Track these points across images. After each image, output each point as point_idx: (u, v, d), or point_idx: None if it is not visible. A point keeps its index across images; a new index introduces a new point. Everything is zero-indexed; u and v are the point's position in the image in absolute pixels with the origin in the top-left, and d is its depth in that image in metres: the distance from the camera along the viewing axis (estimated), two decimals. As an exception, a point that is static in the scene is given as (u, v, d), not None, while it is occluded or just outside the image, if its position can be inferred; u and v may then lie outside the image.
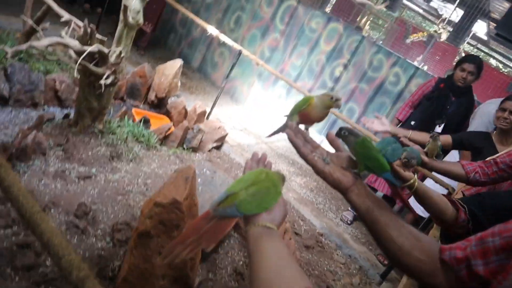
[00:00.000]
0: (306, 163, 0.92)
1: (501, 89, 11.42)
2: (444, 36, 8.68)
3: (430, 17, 17.48)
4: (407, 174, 1.39)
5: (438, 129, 3.77)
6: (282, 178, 0.89)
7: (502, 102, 2.76)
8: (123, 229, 2.11)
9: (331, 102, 0.96)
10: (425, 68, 9.97)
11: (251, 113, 5.59)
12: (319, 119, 0.98)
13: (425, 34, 14.61)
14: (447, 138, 2.65)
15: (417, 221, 3.71)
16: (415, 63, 11.56)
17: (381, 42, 10.29)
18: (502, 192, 1.82)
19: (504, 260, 0.73)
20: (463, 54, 11.70)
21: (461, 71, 3.46)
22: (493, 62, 15.12)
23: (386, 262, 3.69)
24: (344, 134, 0.94)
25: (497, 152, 2.52)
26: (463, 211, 1.35)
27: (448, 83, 3.71)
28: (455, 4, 8.86)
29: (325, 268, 3.16)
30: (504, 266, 0.73)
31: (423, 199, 1.40)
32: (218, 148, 3.95)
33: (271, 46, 5.50)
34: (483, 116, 3.59)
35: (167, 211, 1.64)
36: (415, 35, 14.64)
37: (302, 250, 3.20)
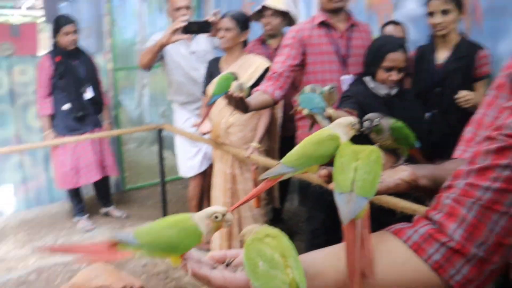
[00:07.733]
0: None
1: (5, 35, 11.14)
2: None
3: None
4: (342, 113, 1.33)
5: (87, 95, 3.73)
6: None
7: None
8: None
9: (355, 129, 0.66)
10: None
11: None
12: None
13: None
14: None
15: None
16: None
17: None
18: (357, 85, 1.85)
19: None
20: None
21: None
22: None
23: None
24: (376, 126, 0.72)
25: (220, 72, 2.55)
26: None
27: (61, 53, 3.67)
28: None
29: None
30: None
31: None
32: None
33: None
34: None
35: None
36: None
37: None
